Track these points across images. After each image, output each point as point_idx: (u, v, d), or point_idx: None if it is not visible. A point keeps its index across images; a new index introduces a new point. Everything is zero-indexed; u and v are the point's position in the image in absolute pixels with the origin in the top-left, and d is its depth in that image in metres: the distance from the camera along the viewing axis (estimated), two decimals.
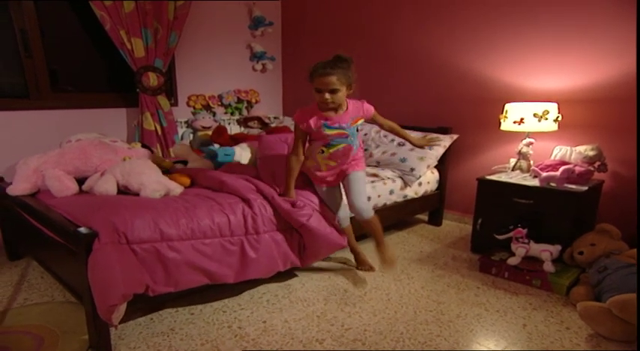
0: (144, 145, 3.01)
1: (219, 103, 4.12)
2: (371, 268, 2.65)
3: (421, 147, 2.55)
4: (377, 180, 2.96)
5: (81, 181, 2.34)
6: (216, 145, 3.09)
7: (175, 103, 3.85)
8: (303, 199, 2.34)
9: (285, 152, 2.56)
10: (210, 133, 3.62)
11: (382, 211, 2.99)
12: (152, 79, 3.40)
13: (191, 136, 3.86)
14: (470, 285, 2.48)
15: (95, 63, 3.48)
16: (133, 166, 2.23)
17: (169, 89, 3.73)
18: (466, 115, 3.39)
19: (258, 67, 4.35)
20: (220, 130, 3.33)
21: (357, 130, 2.32)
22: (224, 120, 4.15)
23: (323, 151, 2.29)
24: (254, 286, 2.40)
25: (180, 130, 3.86)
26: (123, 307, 1.68)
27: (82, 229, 1.69)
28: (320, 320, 2.09)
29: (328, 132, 2.20)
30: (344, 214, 2.52)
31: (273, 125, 4.17)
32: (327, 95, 2.08)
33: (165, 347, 1.86)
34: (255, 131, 4.03)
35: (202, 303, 2.22)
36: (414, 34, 3.58)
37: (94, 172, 2.35)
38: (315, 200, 2.40)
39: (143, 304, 1.81)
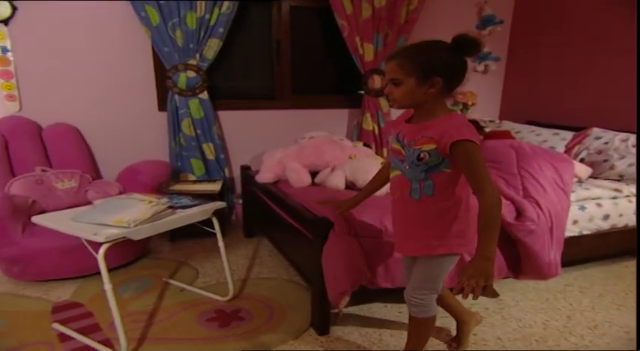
0: (365, 144, 3.20)
1: None
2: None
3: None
4: (620, 196, 2.56)
5: (312, 174, 2.62)
6: None
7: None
8: (535, 211, 2.16)
9: (513, 158, 2.41)
10: None
11: (622, 234, 2.58)
12: (376, 82, 3.60)
13: None
14: None
15: (327, 67, 3.85)
16: (361, 164, 2.39)
17: None
18: None
19: (480, 68, 4.18)
20: None
21: (424, 161, 1.36)
22: None
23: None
24: None
25: None
26: (348, 295, 1.83)
27: (321, 219, 1.89)
28: (539, 345, 1.93)
29: (393, 145, 1.50)
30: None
31: (487, 129, 3.96)
32: (388, 87, 1.40)
33: (376, 340, 1.95)
34: None
35: None
36: None
37: (326, 167, 2.60)
38: (543, 216, 2.19)
39: (357, 295, 1.92)
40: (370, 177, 2.31)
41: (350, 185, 2.42)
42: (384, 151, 3.75)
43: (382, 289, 2.00)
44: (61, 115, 3.01)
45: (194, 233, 2.63)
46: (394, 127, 1.52)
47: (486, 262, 1.25)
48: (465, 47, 1.30)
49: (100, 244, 1.63)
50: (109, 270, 2.46)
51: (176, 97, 3.12)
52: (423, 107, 1.38)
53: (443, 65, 1.31)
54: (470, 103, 4.22)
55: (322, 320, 1.97)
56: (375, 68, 3.58)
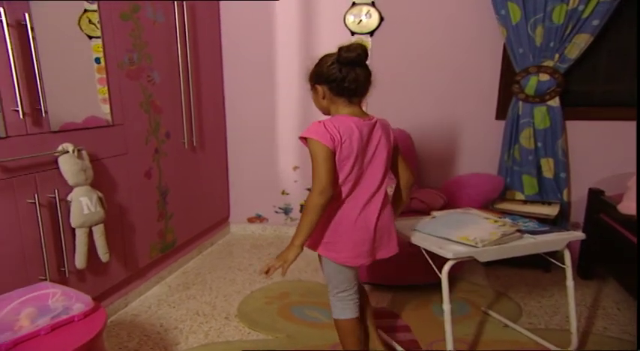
0: None
1: None
2: None
3: None
4: None
5: None
6: None
7: None
8: None
9: None
10: None
11: None
12: None
13: None
14: None
15: None
16: None
17: None
18: None
19: None
20: None
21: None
22: None
23: None
24: None
25: None
26: None
27: None
28: None
29: None
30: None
31: None
32: None
33: None
34: None
35: None
36: None
37: None
38: None
39: None
40: None
41: None
42: None
43: None
44: (398, 120, 3.24)
45: (512, 261, 2.39)
46: None
47: (290, 249, 1.51)
48: (341, 56, 1.49)
49: (443, 259, 1.60)
50: (425, 284, 2.51)
51: (520, 103, 2.97)
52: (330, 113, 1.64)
53: (322, 74, 1.55)
54: None
55: None
56: None
